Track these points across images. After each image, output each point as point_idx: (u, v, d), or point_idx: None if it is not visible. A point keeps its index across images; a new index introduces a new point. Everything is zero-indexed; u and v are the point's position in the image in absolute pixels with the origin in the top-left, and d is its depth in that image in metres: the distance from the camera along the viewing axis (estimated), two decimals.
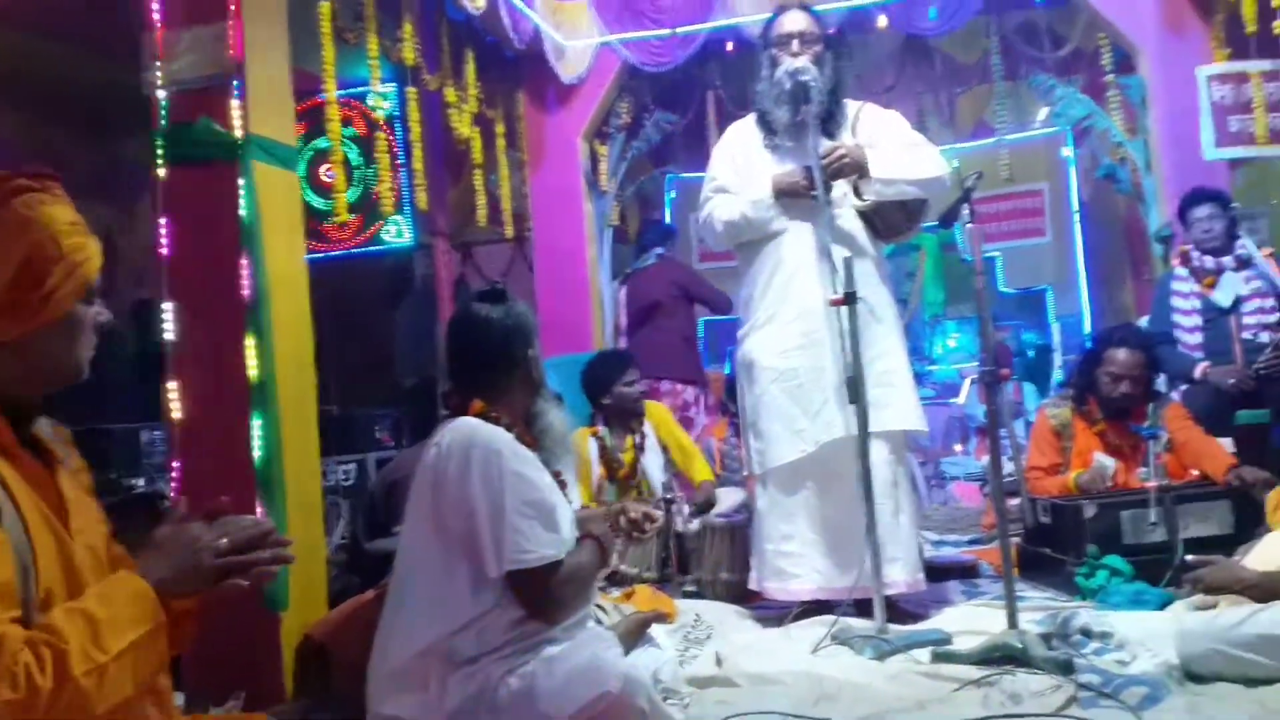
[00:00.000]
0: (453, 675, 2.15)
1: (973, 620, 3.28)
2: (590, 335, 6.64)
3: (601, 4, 6.44)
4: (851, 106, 3.78)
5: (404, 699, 2.18)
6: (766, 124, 3.72)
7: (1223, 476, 3.88)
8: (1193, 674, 2.60)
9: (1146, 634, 2.92)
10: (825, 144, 3.51)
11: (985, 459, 7.06)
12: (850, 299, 3.12)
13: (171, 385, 3.12)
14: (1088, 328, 8.82)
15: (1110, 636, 2.88)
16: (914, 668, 2.80)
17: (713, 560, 4.10)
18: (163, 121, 3.20)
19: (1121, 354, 4.17)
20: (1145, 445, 4.07)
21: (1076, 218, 9.18)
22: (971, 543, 5.25)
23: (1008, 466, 4.03)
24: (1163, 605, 3.30)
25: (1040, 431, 4.43)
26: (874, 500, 3.22)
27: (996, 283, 9.31)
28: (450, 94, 5.60)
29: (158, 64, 3.18)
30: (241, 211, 3.09)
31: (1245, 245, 4.82)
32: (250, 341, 3.07)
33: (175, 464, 3.14)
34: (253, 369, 3.05)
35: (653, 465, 4.66)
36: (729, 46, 6.68)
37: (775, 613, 3.66)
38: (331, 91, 4.59)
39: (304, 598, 3.12)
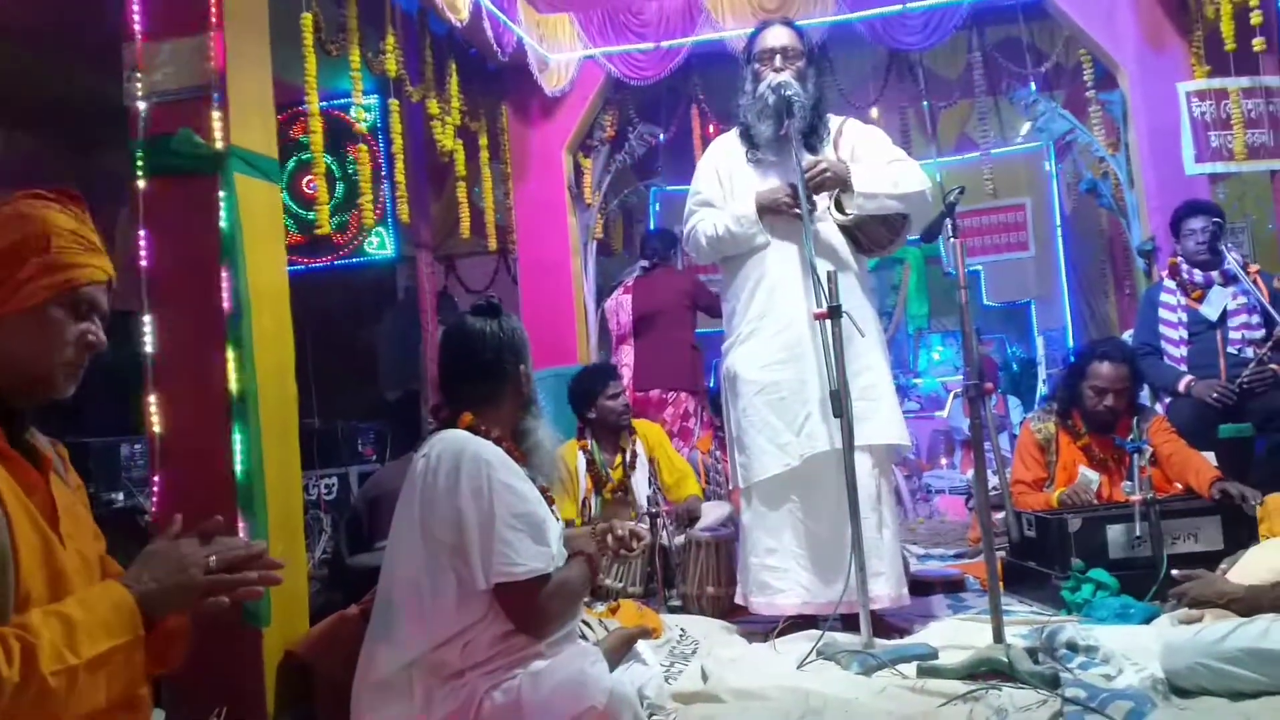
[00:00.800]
0: (438, 688, 2.14)
1: (958, 634, 3.27)
2: (575, 348, 6.63)
3: (585, 17, 6.45)
4: (834, 121, 3.79)
5: (388, 711, 2.16)
6: (750, 138, 3.72)
7: (1207, 490, 3.89)
8: (1178, 688, 2.60)
9: (1132, 648, 2.92)
10: (808, 158, 3.52)
11: (970, 472, 7.08)
12: (834, 312, 3.11)
13: (151, 398, 3.08)
14: (1071, 341, 8.86)
15: (1096, 650, 2.88)
16: (900, 682, 2.78)
17: (698, 575, 4.08)
18: (142, 133, 3.17)
19: (1105, 368, 4.18)
20: (1130, 458, 4.08)
21: (1059, 232, 9.26)
22: (957, 556, 5.25)
23: (993, 480, 4.03)
24: (1148, 619, 3.30)
25: (1025, 445, 4.44)
26: (859, 514, 3.20)
27: (980, 296, 9.36)
28: (433, 106, 5.59)
29: (138, 75, 3.15)
30: (222, 224, 3.07)
31: (1232, 260, 4.85)
32: (231, 354, 3.03)
33: (155, 478, 3.10)
34: (233, 382, 3.02)
35: (640, 482, 4.65)
36: (712, 60, 6.70)
37: (761, 627, 3.64)
38: (314, 103, 4.57)
39: (285, 614, 3.08)
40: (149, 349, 3.09)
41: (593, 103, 6.73)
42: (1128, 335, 5.50)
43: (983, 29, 6.58)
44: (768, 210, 3.56)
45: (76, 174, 5.82)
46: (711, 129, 6.88)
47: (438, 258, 7.51)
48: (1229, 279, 4.86)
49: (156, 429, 3.08)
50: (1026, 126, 8.25)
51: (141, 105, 3.16)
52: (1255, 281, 4.82)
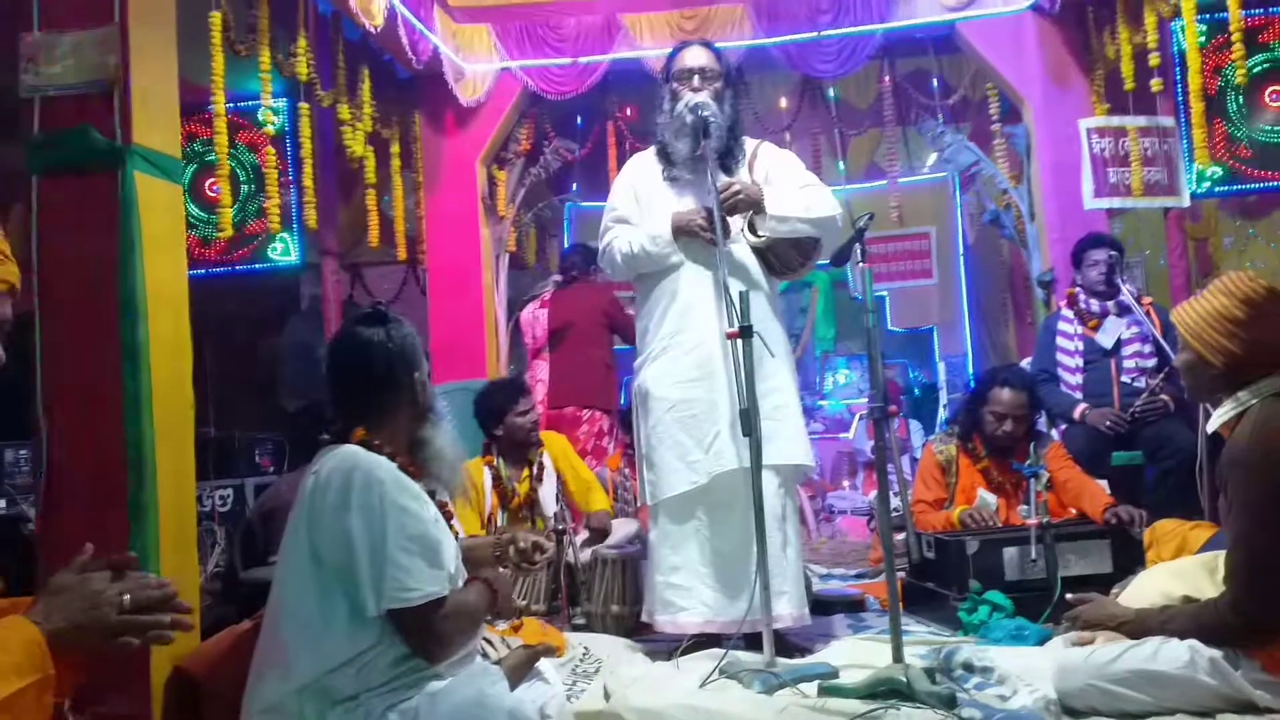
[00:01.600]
0: (330, 712, 2.07)
1: (859, 654, 3.29)
2: (485, 362, 6.57)
3: (503, 29, 6.42)
4: (749, 144, 3.82)
5: None
6: (666, 157, 3.73)
7: (1100, 515, 4.00)
8: (1070, 708, 2.66)
9: (1026, 669, 2.97)
10: (723, 179, 3.54)
11: (873, 494, 7.19)
12: (746, 332, 3.13)
13: (40, 402, 2.96)
14: (971, 368, 9.08)
15: (991, 671, 2.92)
16: (801, 701, 2.79)
17: (603, 593, 4.06)
18: (38, 127, 3.06)
19: (1005, 394, 4.28)
20: (1027, 483, 4.18)
21: (962, 261, 9.49)
22: (858, 576, 5.31)
23: (895, 501, 4.10)
24: (1042, 641, 3.37)
25: (926, 466, 4.52)
26: (765, 533, 3.22)
27: (885, 321, 9.54)
28: (344, 111, 5.50)
29: (35, 67, 3.04)
30: (120, 224, 2.96)
31: (1127, 292, 5.02)
32: (125, 359, 2.93)
33: (42, 485, 2.97)
34: (127, 388, 2.92)
35: (547, 496, 4.60)
36: (630, 78, 6.73)
37: (665, 646, 3.63)
38: (220, 104, 4.45)
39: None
40: (39, 351, 2.97)
41: (508, 115, 6.71)
42: (1026, 363, 5.65)
43: (894, 60, 6.73)
44: (682, 232, 3.57)
45: None
46: (627, 146, 6.90)
47: (344, 266, 7.38)
48: (1123, 310, 5.02)
49: (44, 435, 2.96)
50: (933, 157, 8.46)
51: (38, 98, 3.04)
52: (1148, 313, 4.99)
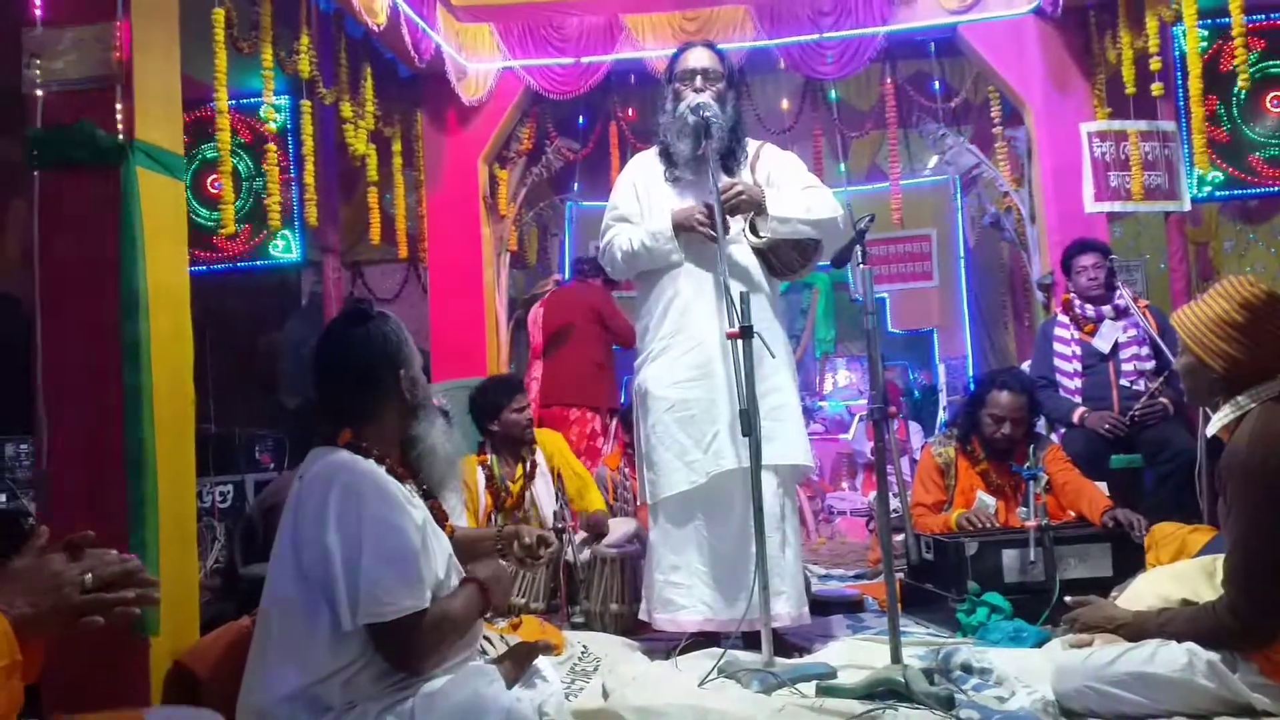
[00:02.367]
0: (323, 717, 2.06)
1: (857, 655, 3.30)
2: (485, 360, 6.57)
3: (505, 28, 6.43)
4: (752, 145, 3.82)
5: None
6: (668, 157, 3.74)
7: (1099, 518, 4.00)
8: (1067, 710, 2.67)
9: (1024, 670, 2.99)
10: (724, 180, 3.54)
11: (872, 495, 7.20)
12: (746, 333, 3.13)
13: (41, 397, 2.96)
14: (971, 370, 9.08)
15: (990, 673, 2.93)
16: (799, 701, 2.80)
17: (602, 591, 4.07)
18: (40, 122, 3.06)
19: (1004, 397, 4.28)
20: (1025, 485, 4.18)
21: (962, 263, 9.49)
22: (857, 577, 5.32)
23: (894, 503, 4.10)
24: (1040, 643, 3.38)
25: (925, 469, 4.52)
26: (764, 533, 3.22)
27: (885, 323, 9.54)
28: (346, 109, 5.51)
29: (38, 62, 3.04)
30: (122, 219, 2.96)
31: (1123, 295, 5.02)
32: (126, 354, 2.93)
33: (43, 479, 2.97)
34: (128, 384, 2.92)
35: (543, 494, 4.60)
36: (632, 79, 6.74)
37: (664, 645, 3.63)
38: (223, 100, 4.46)
39: (175, 623, 2.98)
40: (40, 346, 2.98)
41: (510, 114, 6.71)
42: (1026, 365, 5.66)
43: (895, 62, 6.73)
44: (683, 228, 3.57)
45: None
46: (629, 146, 6.91)
47: (345, 264, 7.39)
48: (1120, 313, 5.03)
49: (45, 429, 2.96)
50: (934, 159, 8.46)
51: (40, 93, 3.05)
52: (1145, 315, 5.00)
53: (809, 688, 2.89)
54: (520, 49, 6.43)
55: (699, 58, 3.73)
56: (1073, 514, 4.23)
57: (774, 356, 3.43)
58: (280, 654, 2.10)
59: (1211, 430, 2.67)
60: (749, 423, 3.08)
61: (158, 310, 3.04)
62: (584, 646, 3.59)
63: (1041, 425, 4.84)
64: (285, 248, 6.33)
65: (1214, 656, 2.48)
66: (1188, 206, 5.93)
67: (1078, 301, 5.12)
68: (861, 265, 3.14)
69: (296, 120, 5.56)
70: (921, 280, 9.69)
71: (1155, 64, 5.28)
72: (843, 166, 8.56)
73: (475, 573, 2.32)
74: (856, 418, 8.66)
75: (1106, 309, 5.04)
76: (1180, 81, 5.65)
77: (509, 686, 2.27)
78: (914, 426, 8.57)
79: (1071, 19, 6.02)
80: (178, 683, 2.86)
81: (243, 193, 6.20)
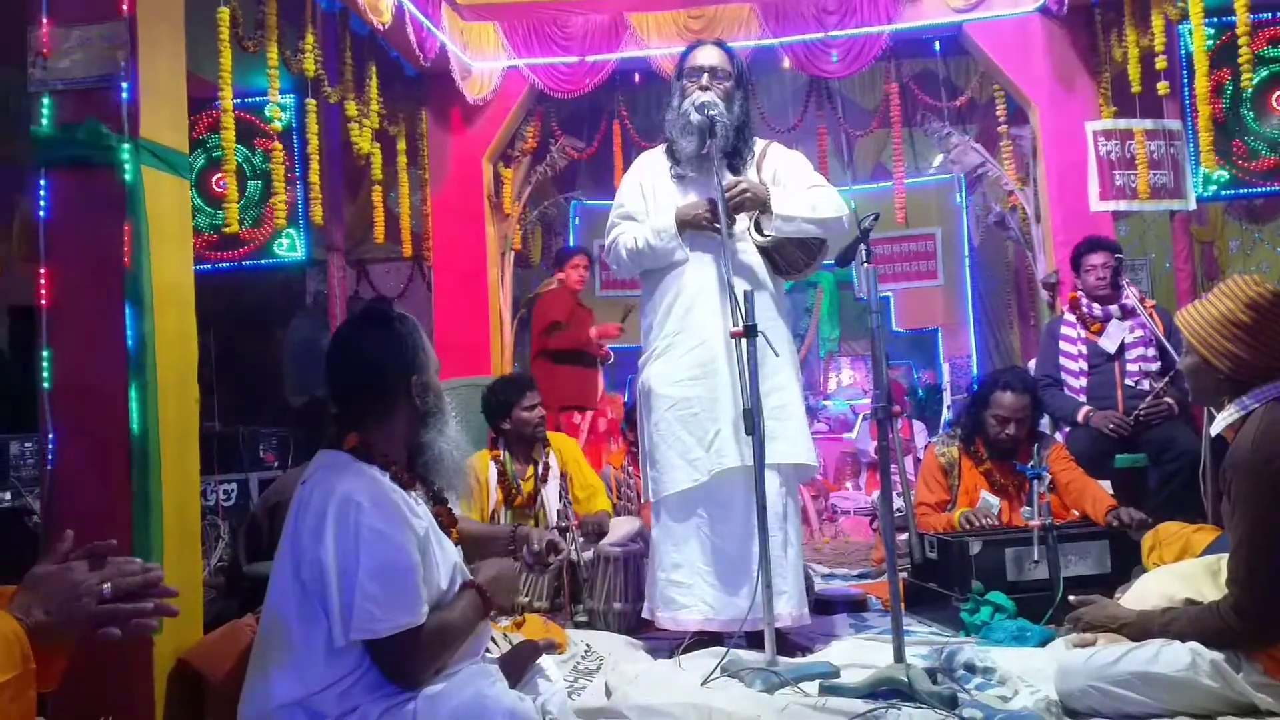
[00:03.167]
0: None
1: (860, 654, 3.31)
2: (489, 359, 6.57)
3: (510, 27, 6.43)
4: (758, 144, 3.82)
5: None
6: (673, 154, 3.74)
7: (1102, 517, 4.00)
8: (1071, 709, 2.67)
9: (1027, 670, 2.99)
10: (729, 178, 3.54)
11: (875, 494, 7.20)
12: (750, 331, 3.13)
13: (46, 395, 2.97)
14: (976, 369, 9.07)
15: (993, 672, 2.93)
16: (802, 700, 2.80)
17: (605, 590, 4.07)
18: (45, 121, 3.06)
19: (1008, 397, 4.28)
20: (1029, 485, 4.18)
21: (967, 262, 9.48)
22: (860, 576, 5.32)
23: (897, 502, 4.10)
24: (1043, 642, 3.38)
25: (929, 468, 4.52)
26: (767, 532, 3.22)
27: (890, 322, 9.54)
28: (351, 108, 5.51)
29: (44, 61, 3.05)
30: (127, 218, 2.97)
31: (1130, 295, 5.01)
32: (132, 353, 2.94)
33: (48, 477, 2.98)
34: (133, 381, 2.93)
35: (551, 495, 4.61)
36: (636, 77, 6.74)
37: (667, 644, 3.64)
38: (228, 99, 4.46)
39: (179, 621, 2.93)
40: (45, 346, 2.98)
41: (515, 113, 6.71)
42: (1031, 365, 5.65)
43: (900, 61, 6.73)
44: (687, 225, 3.57)
45: None
46: (633, 145, 6.91)
47: (350, 262, 7.41)
48: (1127, 313, 5.02)
49: (49, 428, 2.97)
50: (939, 158, 8.45)
51: (46, 92, 3.05)
52: (1152, 315, 4.99)
53: (812, 687, 2.89)
54: (525, 47, 6.44)
55: (707, 55, 3.73)
56: (1076, 513, 4.23)
57: (777, 355, 3.43)
58: (278, 664, 2.09)
59: (1216, 429, 2.67)
60: (752, 421, 3.08)
61: (163, 308, 3.04)
62: (587, 645, 3.59)
63: (1046, 424, 4.84)
64: (290, 246, 6.33)
65: (1218, 656, 2.48)
66: (1193, 205, 5.92)
67: (1085, 300, 5.11)
68: (866, 264, 3.14)
69: (302, 119, 5.57)
70: (926, 279, 9.68)
71: (1161, 62, 5.27)
72: (847, 165, 8.57)
73: (478, 574, 2.30)
74: (860, 417, 8.65)
75: (1114, 308, 5.03)
76: (1186, 80, 5.64)
77: (513, 685, 2.27)
78: (918, 426, 8.56)
79: (1077, 17, 6.01)
80: (181, 681, 2.87)
81: (247, 191, 6.20)
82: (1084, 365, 5.05)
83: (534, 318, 6.46)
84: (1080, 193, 5.86)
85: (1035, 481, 4.14)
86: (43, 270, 3.01)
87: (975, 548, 3.82)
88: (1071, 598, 3.14)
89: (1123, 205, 5.86)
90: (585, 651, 3.52)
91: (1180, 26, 5.52)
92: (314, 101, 5.28)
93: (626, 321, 6.49)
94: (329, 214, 5.99)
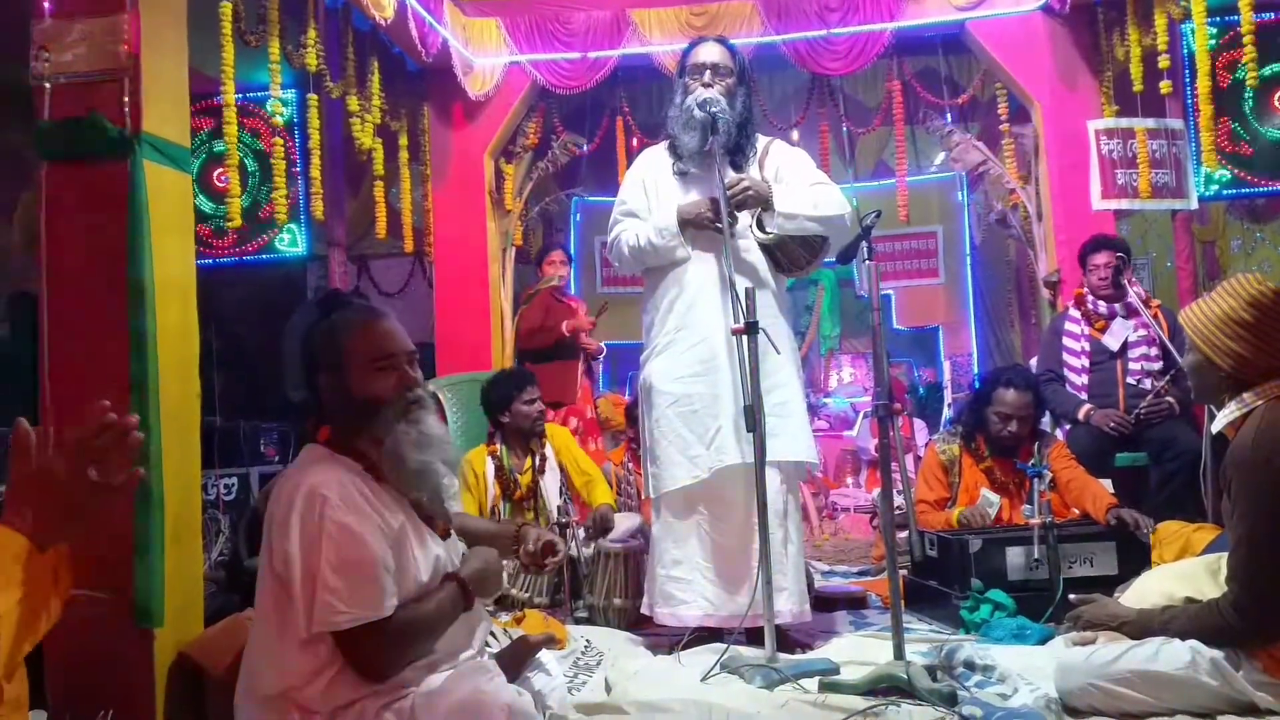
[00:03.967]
0: (315, 717, 2.05)
1: (860, 651, 3.30)
2: (490, 354, 6.57)
3: (512, 23, 6.43)
4: (761, 141, 3.82)
5: None
6: (676, 151, 3.74)
7: (1103, 516, 4.00)
8: (1070, 708, 2.66)
9: (1027, 668, 2.98)
10: (731, 175, 3.54)
11: (875, 491, 7.20)
12: (751, 328, 3.13)
13: (46, 389, 2.97)
14: (977, 367, 9.07)
15: (993, 670, 2.93)
16: (802, 697, 2.80)
17: (605, 586, 4.07)
18: (48, 114, 3.06)
19: (1010, 394, 4.28)
20: (1030, 483, 4.18)
21: (968, 260, 9.47)
22: (860, 574, 5.32)
23: (897, 499, 4.10)
24: (1043, 640, 3.38)
25: (929, 466, 4.52)
26: (767, 529, 3.23)
27: (891, 320, 9.53)
28: (353, 103, 5.51)
29: (46, 54, 3.04)
30: (129, 212, 2.97)
31: (1134, 295, 5.01)
32: (133, 347, 2.94)
33: None
34: (134, 375, 2.93)
35: (550, 488, 4.61)
36: (639, 74, 6.73)
37: (667, 640, 3.64)
38: (230, 94, 4.46)
39: (180, 615, 2.98)
40: (46, 338, 2.98)
41: (517, 109, 6.70)
42: (1032, 363, 5.65)
43: (903, 59, 6.72)
44: (689, 223, 3.57)
45: None
46: (635, 142, 6.91)
47: (351, 258, 7.39)
48: (1131, 312, 5.01)
49: (50, 420, 2.97)
50: (941, 156, 8.44)
51: (49, 85, 3.05)
52: (1156, 315, 4.99)
53: (812, 683, 2.90)
54: (527, 43, 6.43)
55: (709, 52, 3.73)
56: (1077, 512, 4.23)
57: (779, 352, 3.43)
58: (262, 654, 2.10)
59: (1217, 427, 2.67)
60: (753, 418, 3.08)
61: (164, 303, 3.04)
62: (587, 641, 3.59)
63: (1046, 423, 4.84)
64: (291, 241, 6.33)
65: (1217, 654, 2.48)
66: (1194, 204, 5.92)
67: (1090, 298, 5.11)
68: (867, 261, 3.14)
69: (303, 114, 5.57)
70: (927, 277, 9.67)
71: (1164, 61, 5.27)
72: (849, 163, 8.56)
73: (462, 567, 2.28)
74: (861, 414, 8.65)
75: (1118, 307, 5.03)
76: (1188, 79, 5.64)
77: (512, 679, 2.27)
78: (918, 424, 8.56)
79: (1080, 16, 6.00)
80: (182, 675, 2.87)
81: (249, 186, 6.20)
82: (1086, 362, 5.05)
83: (519, 325, 6.48)
84: (1082, 191, 5.86)
85: (1036, 480, 4.14)
86: (44, 264, 3.01)
87: (975, 546, 3.82)
88: (1071, 596, 3.14)
89: (1124, 204, 5.86)
90: (585, 647, 3.52)
91: (1183, 25, 5.52)
92: (316, 97, 5.28)
93: (601, 317, 6.50)
94: (330, 209, 5.99)
